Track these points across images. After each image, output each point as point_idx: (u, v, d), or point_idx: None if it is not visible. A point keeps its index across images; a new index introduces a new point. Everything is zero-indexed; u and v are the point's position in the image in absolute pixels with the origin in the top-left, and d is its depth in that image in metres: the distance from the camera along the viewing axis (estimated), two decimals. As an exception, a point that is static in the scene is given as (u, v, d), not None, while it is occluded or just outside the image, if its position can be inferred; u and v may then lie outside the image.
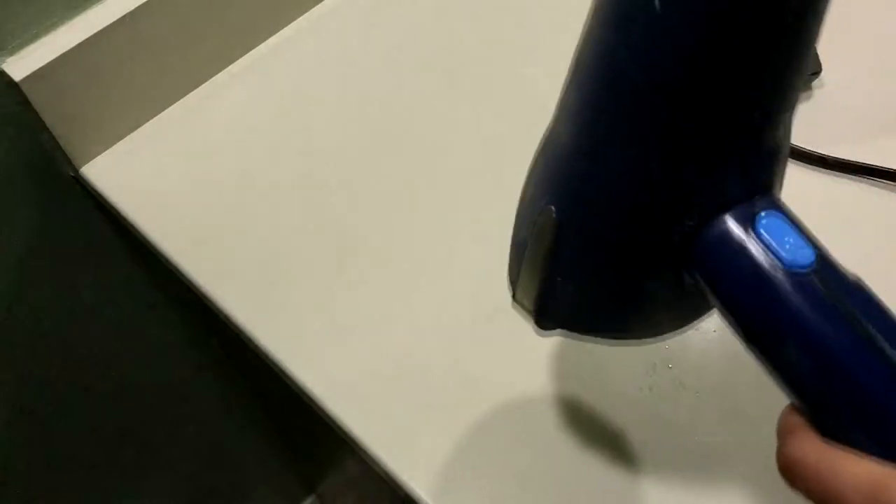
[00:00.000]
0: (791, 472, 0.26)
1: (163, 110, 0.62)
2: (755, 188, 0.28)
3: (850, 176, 0.53)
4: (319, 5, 0.67)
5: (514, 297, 0.34)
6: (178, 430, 0.88)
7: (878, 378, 0.25)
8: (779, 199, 0.29)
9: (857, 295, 0.27)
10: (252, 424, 0.97)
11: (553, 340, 0.48)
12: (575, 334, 0.33)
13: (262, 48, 0.65)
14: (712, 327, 0.48)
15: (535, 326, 0.34)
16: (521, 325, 0.49)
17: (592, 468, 0.44)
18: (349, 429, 0.46)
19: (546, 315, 0.33)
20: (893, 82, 0.58)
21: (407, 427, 0.46)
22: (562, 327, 0.33)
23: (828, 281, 0.27)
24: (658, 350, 0.48)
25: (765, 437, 0.45)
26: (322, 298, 0.52)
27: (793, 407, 0.27)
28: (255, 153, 0.59)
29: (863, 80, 0.58)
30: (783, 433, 0.27)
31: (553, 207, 0.30)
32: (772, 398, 0.46)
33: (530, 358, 0.48)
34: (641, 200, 0.28)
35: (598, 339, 0.33)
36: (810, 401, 0.27)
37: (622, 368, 0.47)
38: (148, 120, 0.61)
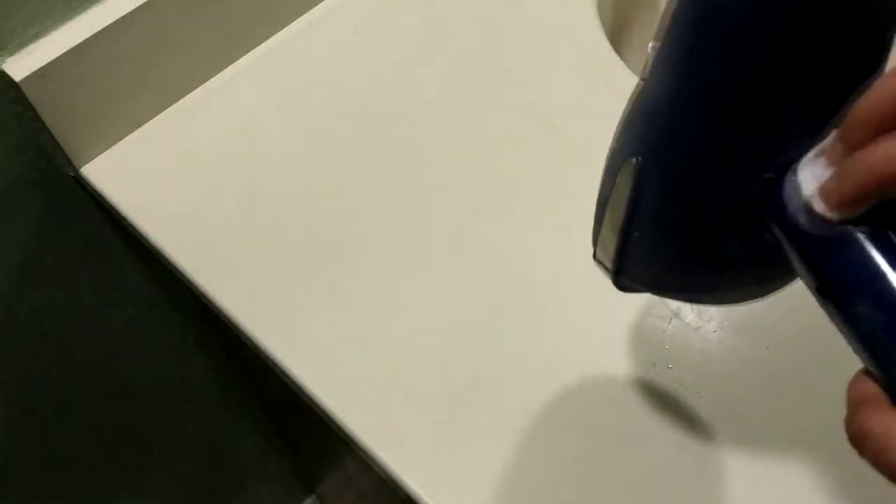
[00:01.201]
0: (861, 444, 0.25)
1: (163, 110, 0.62)
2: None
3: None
4: (320, 5, 0.67)
5: (594, 255, 0.35)
6: (178, 430, 0.88)
7: None
8: None
9: None
10: (252, 424, 0.97)
11: (552, 341, 0.48)
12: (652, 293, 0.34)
13: (263, 48, 0.65)
14: (712, 328, 0.48)
15: (614, 284, 0.34)
16: (521, 326, 0.50)
17: (592, 468, 0.44)
18: (349, 429, 0.46)
19: (623, 273, 0.34)
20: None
21: (406, 427, 0.46)
22: (638, 286, 0.34)
23: None
24: (658, 350, 0.48)
25: (764, 437, 0.45)
26: (322, 298, 0.52)
27: (865, 373, 0.26)
28: (256, 153, 0.59)
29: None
30: (854, 402, 0.26)
31: (637, 159, 0.30)
32: (771, 398, 0.46)
33: (530, 358, 0.48)
34: (725, 152, 0.28)
35: (676, 299, 0.34)
36: (884, 366, 0.26)
37: (622, 368, 0.47)
38: (148, 120, 0.61)
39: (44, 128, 0.55)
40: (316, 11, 0.67)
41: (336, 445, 0.65)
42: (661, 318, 0.49)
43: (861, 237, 0.26)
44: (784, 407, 0.45)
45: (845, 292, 0.26)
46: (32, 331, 0.66)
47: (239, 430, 0.96)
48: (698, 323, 0.48)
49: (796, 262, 0.28)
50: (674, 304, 0.49)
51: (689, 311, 0.49)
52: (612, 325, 0.49)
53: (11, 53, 0.53)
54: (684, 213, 0.31)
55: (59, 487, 0.80)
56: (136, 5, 0.55)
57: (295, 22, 0.66)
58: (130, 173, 0.59)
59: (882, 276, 0.25)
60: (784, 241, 0.28)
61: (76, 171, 0.59)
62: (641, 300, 0.49)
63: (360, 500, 0.91)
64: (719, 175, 0.29)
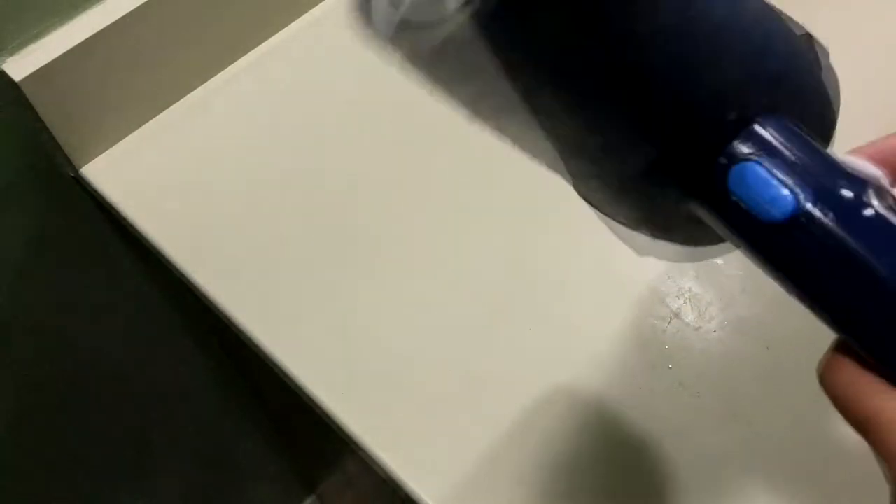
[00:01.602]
0: (827, 393, 0.26)
1: (163, 110, 0.62)
2: (730, 133, 0.26)
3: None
4: (320, 5, 0.67)
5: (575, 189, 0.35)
6: (178, 431, 0.88)
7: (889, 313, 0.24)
8: (759, 139, 0.26)
9: (861, 222, 0.24)
10: (252, 424, 0.97)
11: (552, 341, 0.48)
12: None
13: (263, 48, 0.65)
14: (713, 327, 0.48)
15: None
16: (521, 326, 0.50)
17: (592, 468, 0.44)
18: (349, 429, 0.46)
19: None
20: (891, 82, 0.58)
21: (406, 427, 0.46)
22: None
23: (817, 221, 0.24)
24: (658, 350, 0.48)
25: (764, 437, 0.45)
26: (322, 299, 0.52)
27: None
28: (256, 153, 0.59)
29: (860, 80, 0.58)
30: (824, 358, 0.27)
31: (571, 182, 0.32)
32: (771, 399, 0.46)
33: (530, 358, 0.48)
34: (613, 182, 0.29)
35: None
36: (854, 337, 0.25)
37: (622, 369, 0.47)
38: (148, 120, 0.61)
39: (44, 128, 0.55)
40: (316, 11, 0.67)
41: (336, 445, 0.65)
42: (661, 319, 0.49)
43: (767, 241, 0.25)
44: (784, 407, 0.45)
45: (801, 279, 0.26)
46: (32, 331, 0.66)
47: (239, 430, 0.96)
48: (698, 323, 0.48)
49: (750, 254, 0.27)
50: (674, 305, 0.49)
51: (689, 311, 0.49)
52: (612, 326, 0.49)
53: (11, 53, 0.53)
54: (625, 210, 0.31)
55: (59, 487, 0.80)
56: (136, 5, 0.55)
57: (295, 22, 0.66)
58: (130, 173, 0.59)
59: (797, 272, 0.25)
60: (736, 236, 0.27)
61: (76, 171, 0.59)
62: (641, 300, 0.49)
63: (360, 500, 0.91)
64: (622, 198, 0.30)
